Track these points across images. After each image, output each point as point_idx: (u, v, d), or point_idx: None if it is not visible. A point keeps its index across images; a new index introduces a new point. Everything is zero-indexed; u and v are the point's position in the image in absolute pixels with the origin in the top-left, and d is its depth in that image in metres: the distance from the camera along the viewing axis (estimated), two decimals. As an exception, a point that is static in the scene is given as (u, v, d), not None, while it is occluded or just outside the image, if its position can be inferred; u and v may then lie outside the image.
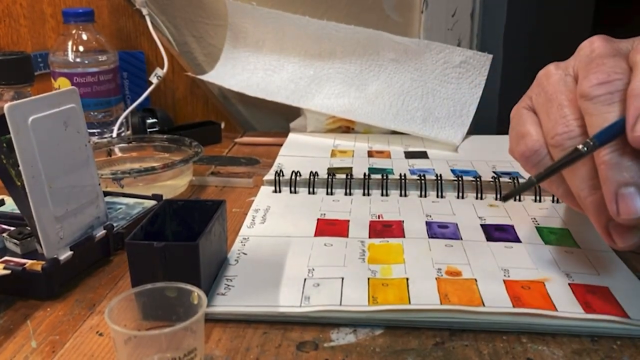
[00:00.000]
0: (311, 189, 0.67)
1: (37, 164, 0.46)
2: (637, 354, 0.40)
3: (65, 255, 0.48)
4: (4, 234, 0.51)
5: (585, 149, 0.39)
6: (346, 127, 0.90)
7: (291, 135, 0.88)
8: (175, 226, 0.50)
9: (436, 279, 0.47)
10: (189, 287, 0.38)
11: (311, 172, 0.68)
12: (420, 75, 0.89)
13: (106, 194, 0.62)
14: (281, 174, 0.68)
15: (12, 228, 0.52)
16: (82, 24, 0.87)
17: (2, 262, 0.48)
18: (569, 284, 0.46)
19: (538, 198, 0.63)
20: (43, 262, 0.46)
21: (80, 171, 0.50)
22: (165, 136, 0.76)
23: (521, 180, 0.65)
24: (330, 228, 0.57)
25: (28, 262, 0.47)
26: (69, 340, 0.42)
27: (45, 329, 0.43)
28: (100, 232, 0.52)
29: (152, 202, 0.60)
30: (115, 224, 0.54)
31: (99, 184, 0.53)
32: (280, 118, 1.07)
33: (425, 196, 0.65)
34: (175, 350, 0.35)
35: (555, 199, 0.63)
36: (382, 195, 0.65)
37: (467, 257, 0.50)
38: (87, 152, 0.51)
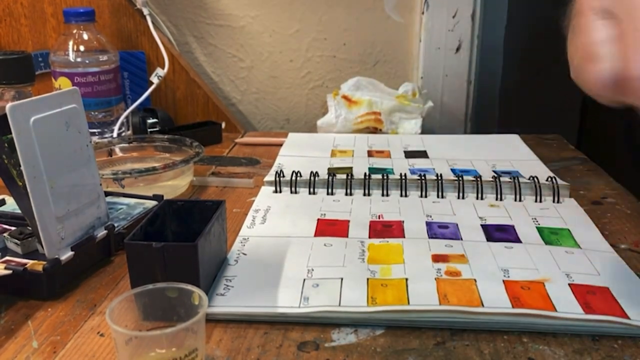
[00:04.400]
0: (311, 189, 0.67)
1: (38, 164, 0.46)
2: (638, 353, 0.40)
3: (66, 255, 0.48)
4: (5, 234, 0.51)
5: None
6: (374, 128, 0.90)
7: (291, 135, 0.88)
8: (175, 226, 0.50)
9: (436, 279, 0.47)
10: (189, 287, 0.38)
11: (311, 172, 0.68)
12: None
13: (107, 194, 0.62)
14: (281, 174, 0.68)
15: (13, 228, 0.52)
16: (83, 23, 0.87)
17: (3, 262, 0.48)
18: (569, 285, 0.46)
19: (538, 198, 0.63)
20: (44, 263, 0.46)
21: (82, 171, 0.50)
22: (165, 136, 0.76)
23: (521, 180, 0.65)
24: (330, 228, 0.57)
25: (29, 262, 0.47)
26: (70, 341, 0.42)
27: (46, 329, 0.43)
28: (101, 233, 0.52)
29: (153, 203, 0.60)
30: (116, 224, 0.54)
31: (100, 184, 0.53)
32: (281, 118, 1.07)
33: (426, 196, 0.65)
34: (176, 351, 0.35)
35: (556, 199, 0.63)
36: (382, 195, 0.65)
37: (467, 257, 0.50)
38: (88, 152, 0.51)
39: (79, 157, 0.50)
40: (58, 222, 0.48)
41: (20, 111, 0.45)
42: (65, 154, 0.49)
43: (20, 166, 0.45)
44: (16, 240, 0.50)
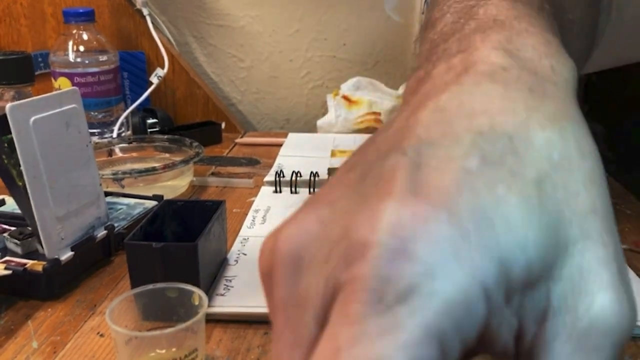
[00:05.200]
0: (312, 190, 0.67)
1: (38, 164, 0.46)
2: (638, 353, 0.40)
3: (66, 255, 0.48)
4: (5, 234, 0.51)
5: None
6: (374, 128, 0.90)
7: (291, 135, 0.88)
8: (175, 226, 0.50)
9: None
10: (189, 287, 0.38)
11: (312, 172, 0.68)
12: None
13: (107, 194, 0.62)
14: (281, 175, 0.68)
15: (13, 228, 0.52)
16: (82, 23, 0.86)
17: (3, 262, 0.48)
18: (569, 285, 0.46)
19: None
20: (44, 263, 0.46)
21: (82, 171, 0.50)
22: (165, 136, 0.76)
23: None
24: (330, 228, 0.57)
25: (29, 263, 0.47)
26: (70, 341, 0.42)
27: (46, 329, 0.43)
28: (101, 233, 0.52)
29: (153, 203, 0.60)
30: (116, 225, 0.54)
31: (100, 184, 0.53)
32: (281, 118, 1.07)
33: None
34: (176, 351, 0.35)
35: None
36: (382, 195, 0.65)
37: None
38: (88, 152, 0.51)
39: (78, 157, 0.50)
40: (58, 222, 0.48)
41: (20, 111, 0.45)
42: (65, 154, 0.49)
43: (20, 166, 0.45)
44: (16, 241, 0.50)
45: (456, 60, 0.21)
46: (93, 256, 0.52)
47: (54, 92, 0.49)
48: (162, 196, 0.60)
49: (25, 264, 0.47)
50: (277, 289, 0.19)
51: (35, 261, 0.47)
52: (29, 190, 0.45)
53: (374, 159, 0.20)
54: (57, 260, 0.47)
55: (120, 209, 0.59)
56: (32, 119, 0.45)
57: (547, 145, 0.18)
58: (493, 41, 0.21)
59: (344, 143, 0.84)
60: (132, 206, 0.60)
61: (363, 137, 0.93)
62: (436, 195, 0.17)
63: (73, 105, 0.50)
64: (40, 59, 0.93)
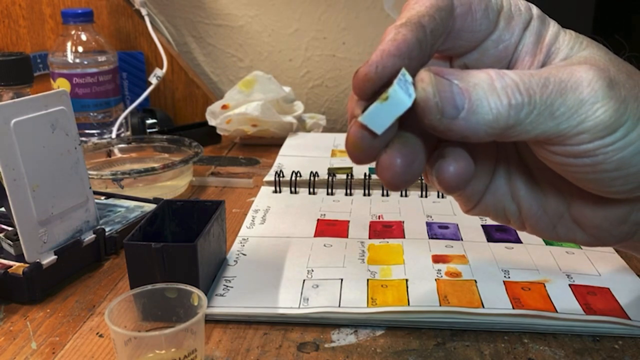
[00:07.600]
0: (311, 189, 0.66)
1: (19, 167, 0.45)
2: (638, 354, 0.40)
3: (48, 259, 0.47)
4: (1, 235, 0.51)
5: None
6: None
7: (291, 135, 0.88)
8: (174, 227, 0.50)
9: (436, 280, 0.47)
10: (189, 288, 0.38)
11: (311, 172, 0.67)
12: None
13: (109, 195, 0.61)
14: (281, 175, 0.67)
15: (10, 228, 0.52)
16: (81, 24, 0.86)
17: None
18: (570, 285, 0.46)
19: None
20: (26, 266, 0.46)
21: (68, 174, 0.49)
22: (165, 136, 0.76)
23: None
24: (330, 228, 0.57)
25: (15, 265, 0.46)
26: (69, 342, 0.41)
27: (45, 330, 0.43)
28: (89, 237, 0.51)
29: (153, 206, 0.59)
30: (109, 228, 0.54)
31: (90, 187, 0.52)
32: (280, 118, 1.07)
33: (426, 196, 0.65)
34: (175, 351, 0.35)
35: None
36: (382, 195, 0.65)
37: (467, 258, 0.50)
38: (76, 154, 0.50)
39: (65, 159, 0.49)
40: (40, 226, 0.47)
41: (0, 113, 0.44)
42: (50, 156, 0.48)
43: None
44: (9, 242, 0.49)
45: None
46: (80, 260, 0.51)
47: (39, 94, 0.48)
48: (162, 199, 0.60)
49: (10, 267, 0.46)
50: None
51: (20, 264, 0.47)
52: (8, 194, 0.44)
53: None
54: (38, 264, 0.46)
55: (119, 211, 0.59)
56: (13, 121, 0.45)
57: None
58: None
59: (344, 143, 0.84)
60: (131, 209, 0.59)
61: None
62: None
63: (60, 107, 0.49)
64: (39, 60, 0.93)
